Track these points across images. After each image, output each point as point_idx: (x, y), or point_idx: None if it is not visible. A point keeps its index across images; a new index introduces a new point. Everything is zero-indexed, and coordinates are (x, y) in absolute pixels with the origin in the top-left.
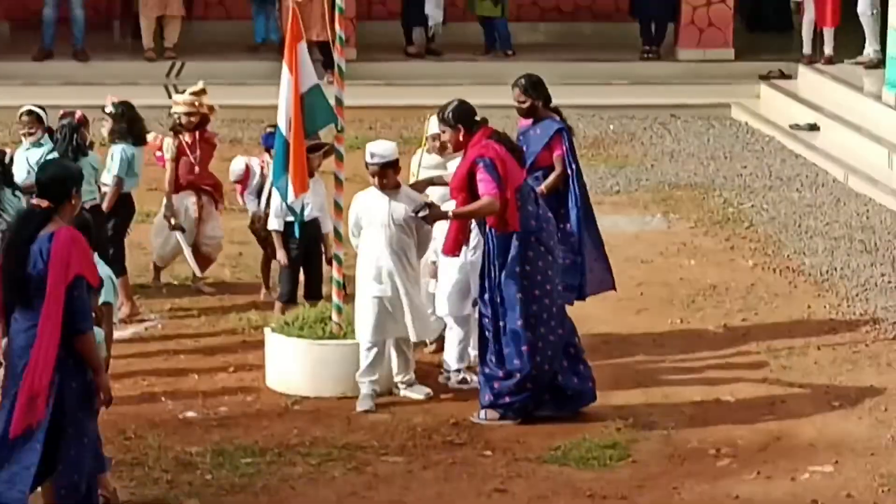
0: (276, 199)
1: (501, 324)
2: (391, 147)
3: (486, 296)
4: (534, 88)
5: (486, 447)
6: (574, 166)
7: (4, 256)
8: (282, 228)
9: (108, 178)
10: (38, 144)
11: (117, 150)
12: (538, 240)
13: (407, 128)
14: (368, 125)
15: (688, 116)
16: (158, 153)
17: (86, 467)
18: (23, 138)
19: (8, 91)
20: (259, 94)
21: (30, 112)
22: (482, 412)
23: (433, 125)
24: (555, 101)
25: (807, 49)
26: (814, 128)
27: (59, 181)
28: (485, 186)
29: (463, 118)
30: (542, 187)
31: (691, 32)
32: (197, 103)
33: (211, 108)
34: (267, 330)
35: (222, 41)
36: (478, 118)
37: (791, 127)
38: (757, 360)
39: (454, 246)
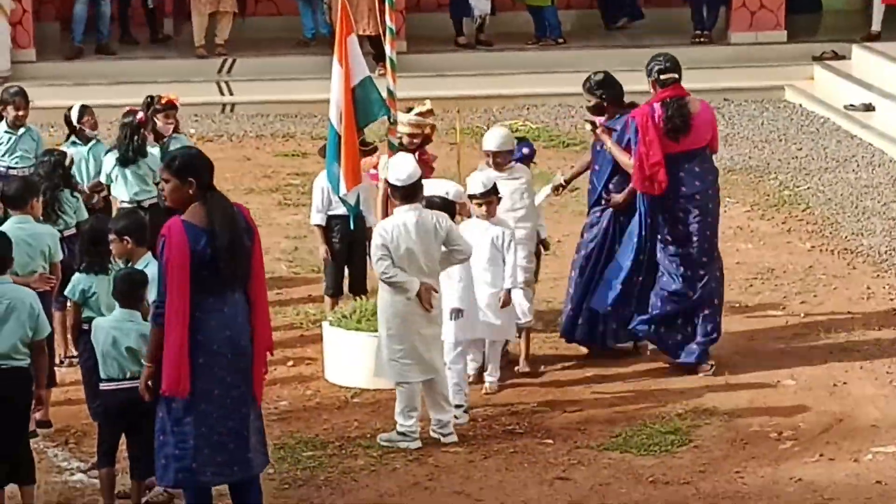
0: (316, 194)
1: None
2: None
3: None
4: (600, 86)
5: (547, 436)
6: None
7: (241, 239)
8: (324, 223)
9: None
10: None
11: (185, 142)
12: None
13: (460, 118)
14: None
15: (741, 100)
16: (373, 171)
17: None
18: (77, 137)
19: (57, 91)
20: (311, 88)
21: (90, 108)
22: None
23: (492, 140)
24: None
25: (876, 27)
26: (869, 108)
27: (210, 167)
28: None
29: (653, 71)
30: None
31: (743, 15)
32: (422, 124)
33: (433, 127)
34: (325, 323)
35: (273, 37)
36: (664, 77)
37: (846, 107)
38: (816, 343)
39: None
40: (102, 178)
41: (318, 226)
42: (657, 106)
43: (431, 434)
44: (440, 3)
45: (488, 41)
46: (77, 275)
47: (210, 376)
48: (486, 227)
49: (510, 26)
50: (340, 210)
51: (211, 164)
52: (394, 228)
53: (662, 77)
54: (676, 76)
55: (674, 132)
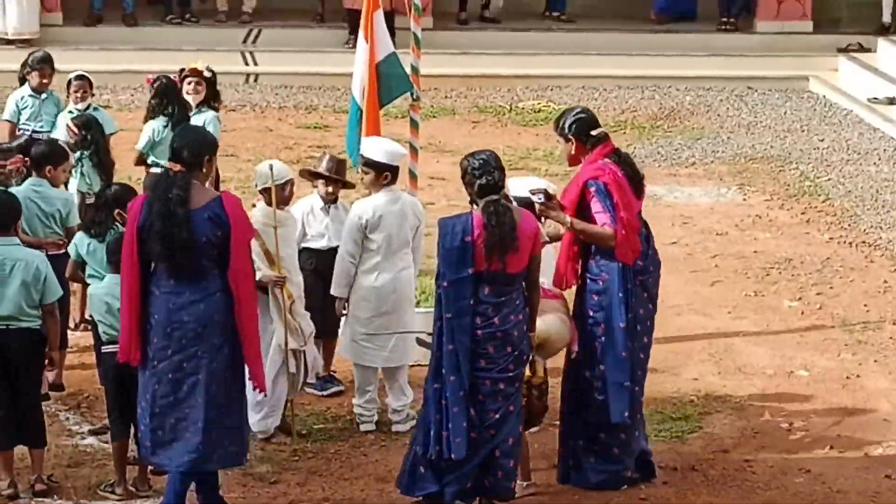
0: None
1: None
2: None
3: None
4: (574, 126)
5: (557, 418)
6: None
7: (164, 223)
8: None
9: None
10: (96, 109)
11: (210, 117)
12: (642, 283)
13: (483, 97)
14: (444, 94)
15: (765, 89)
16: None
17: None
18: (73, 102)
19: (82, 55)
20: (335, 61)
21: (81, 77)
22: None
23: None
24: (632, 73)
25: (886, 18)
26: (892, 101)
27: (192, 147)
28: (600, 217)
29: (579, 130)
30: None
31: (769, 4)
32: None
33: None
34: None
35: (299, 8)
36: (595, 132)
37: (869, 100)
38: (831, 334)
39: (564, 278)
40: (141, 146)
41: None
42: (609, 162)
43: (389, 416)
44: None
45: (495, 19)
46: (79, 233)
47: (164, 358)
48: None
49: (517, 5)
50: (314, 243)
51: (191, 146)
52: (374, 210)
53: (594, 133)
54: (598, 134)
55: (640, 188)
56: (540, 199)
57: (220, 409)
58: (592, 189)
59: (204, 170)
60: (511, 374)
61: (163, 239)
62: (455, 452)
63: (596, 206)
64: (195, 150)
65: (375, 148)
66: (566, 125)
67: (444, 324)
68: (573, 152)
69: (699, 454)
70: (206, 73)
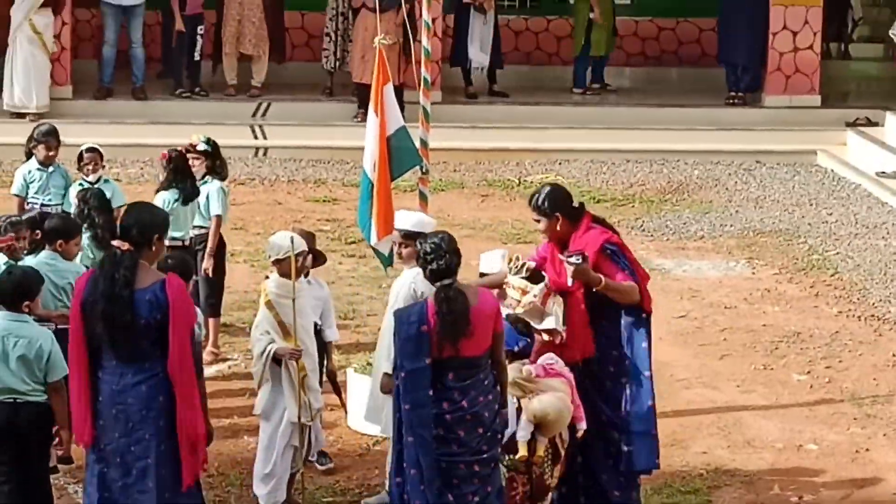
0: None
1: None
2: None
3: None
4: (552, 203)
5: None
6: None
7: (108, 304)
8: None
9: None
10: (107, 181)
11: (215, 188)
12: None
13: (492, 171)
14: (453, 167)
15: (773, 162)
16: None
17: None
18: (84, 175)
19: (92, 129)
20: (344, 134)
21: (92, 149)
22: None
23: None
24: (640, 146)
25: None
26: None
27: (141, 226)
28: (619, 276)
29: (562, 206)
30: None
31: (778, 79)
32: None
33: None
34: (349, 370)
35: (310, 82)
36: (576, 205)
37: (877, 174)
38: (841, 408)
39: (585, 346)
40: None
41: None
42: (599, 226)
43: None
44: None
45: (503, 93)
46: None
47: (111, 440)
48: None
49: (525, 79)
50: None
51: (140, 225)
52: (422, 283)
53: (574, 206)
54: (577, 205)
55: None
56: (577, 260)
57: (174, 495)
58: (608, 252)
59: (153, 248)
60: (485, 456)
61: (105, 319)
62: None
63: (612, 267)
64: (144, 229)
65: (410, 220)
66: (548, 204)
67: (402, 415)
68: (559, 228)
69: None
70: (201, 147)
